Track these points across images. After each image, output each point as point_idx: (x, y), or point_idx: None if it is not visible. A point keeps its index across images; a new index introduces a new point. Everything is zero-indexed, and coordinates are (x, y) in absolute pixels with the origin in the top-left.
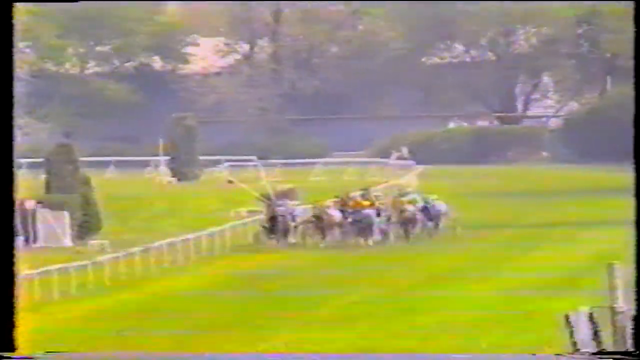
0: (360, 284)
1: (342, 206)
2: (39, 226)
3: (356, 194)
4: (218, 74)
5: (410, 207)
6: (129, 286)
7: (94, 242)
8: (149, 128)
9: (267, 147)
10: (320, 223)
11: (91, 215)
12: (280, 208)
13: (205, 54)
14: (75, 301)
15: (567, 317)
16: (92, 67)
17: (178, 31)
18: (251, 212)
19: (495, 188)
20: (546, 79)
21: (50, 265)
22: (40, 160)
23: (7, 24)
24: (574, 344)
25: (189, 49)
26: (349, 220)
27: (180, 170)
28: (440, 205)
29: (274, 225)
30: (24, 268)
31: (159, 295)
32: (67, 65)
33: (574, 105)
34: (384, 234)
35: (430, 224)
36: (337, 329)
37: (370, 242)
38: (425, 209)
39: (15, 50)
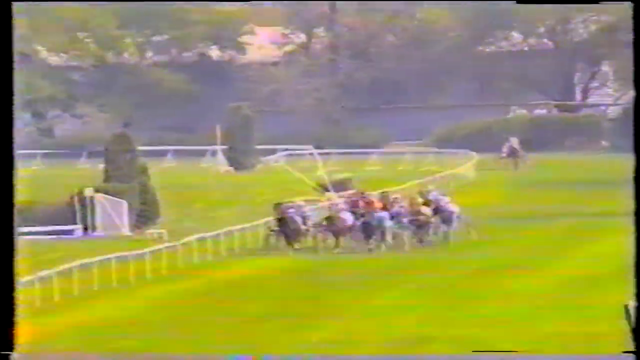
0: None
1: (353, 207)
2: (98, 215)
3: (372, 194)
4: (275, 63)
5: (425, 210)
6: (187, 274)
7: (151, 231)
8: (206, 117)
9: (323, 137)
10: (332, 226)
11: (149, 204)
12: (290, 210)
13: (263, 44)
14: (136, 288)
15: (626, 308)
16: (150, 57)
17: (235, 21)
18: (307, 202)
19: (553, 177)
20: (605, 67)
21: (109, 254)
22: (99, 149)
23: (7, 23)
24: (634, 334)
25: (246, 39)
26: (358, 223)
27: (237, 159)
28: (453, 207)
29: (283, 228)
30: (83, 257)
31: (214, 283)
32: (126, 56)
33: (633, 94)
34: (398, 238)
35: (445, 227)
36: None
37: (382, 247)
38: (436, 211)
39: (16, 47)
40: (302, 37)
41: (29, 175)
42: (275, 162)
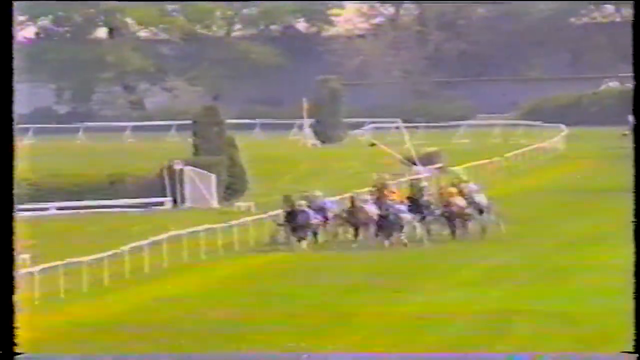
0: None
1: (379, 198)
2: (187, 188)
3: (392, 183)
4: (362, 36)
5: (459, 200)
6: (273, 247)
7: (240, 204)
8: (294, 90)
9: (411, 110)
10: (354, 219)
11: (237, 177)
12: (301, 202)
13: (350, 16)
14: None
15: None
16: (238, 30)
17: None
18: (394, 175)
19: None
20: None
21: (197, 226)
22: (188, 122)
23: (7, 23)
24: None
25: (334, 11)
26: (374, 216)
27: (325, 132)
28: (482, 199)
29: (292, 222)
30: (172, 228)
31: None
32: (215, 28)
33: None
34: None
35: (482, 217)
36: None
37: (403, 239)
38: (470, 202)
39: (14, 45)
40: (390, 10)
41: (120, 148)
42: (363, 136)
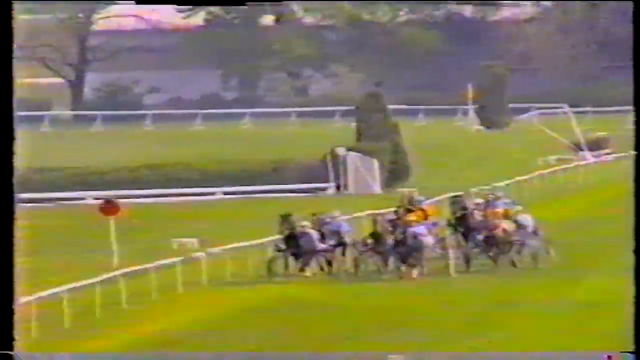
0: None
1: (398, 219)
2: (350, 173)
3: (427, 201)
4: (529, 20)
5: (506, 223)
6: None
7: (403, 190)
8: (458, 76)
9: (578, 95)
10: (379, 245)
11: (400, 163)
12: (304, 222)
13: (517, 1)
14: None
15: None
16: (403, 16)
17: None
18: (561, 160)
19: None
20: None
21: (359, 212)
22: (352, 108)
23: (7, 23)
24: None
25: None
26: (389, 242)
27: (489, 118)
28: (526, 219)
29: (295, 248)
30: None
31: None
32: (379, 14)
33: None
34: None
35: (533, 243)
36: None
37: (414, 273)
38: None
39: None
40: None
41: (284, 134)
42: (528, 121)
